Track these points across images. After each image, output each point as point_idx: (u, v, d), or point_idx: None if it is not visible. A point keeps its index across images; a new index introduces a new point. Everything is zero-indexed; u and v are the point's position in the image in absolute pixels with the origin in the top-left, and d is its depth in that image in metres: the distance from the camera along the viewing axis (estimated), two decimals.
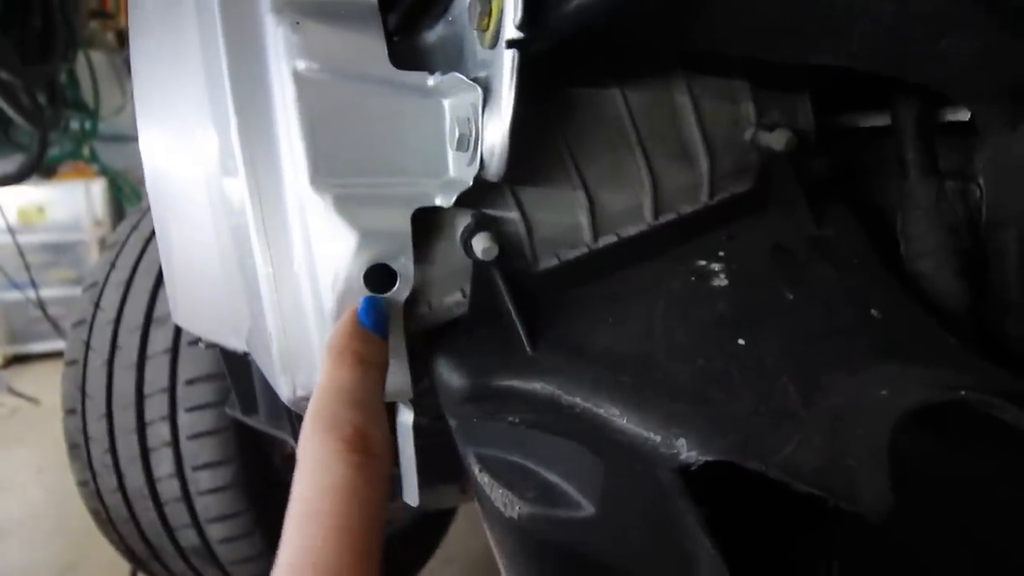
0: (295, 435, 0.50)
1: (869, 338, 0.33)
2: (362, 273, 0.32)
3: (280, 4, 0.32)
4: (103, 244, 2.96)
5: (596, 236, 0.37)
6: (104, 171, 3.06)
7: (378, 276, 0.32)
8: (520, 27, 0.26)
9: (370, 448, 0.25)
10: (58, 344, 2.80)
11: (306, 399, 0.35)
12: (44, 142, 2.41)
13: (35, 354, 2.84)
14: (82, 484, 0.97)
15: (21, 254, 2.68)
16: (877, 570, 0.37)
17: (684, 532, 0.29)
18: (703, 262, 0.38)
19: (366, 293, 0.32)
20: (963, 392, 0.27)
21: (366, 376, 0.29)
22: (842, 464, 0.26)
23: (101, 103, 2.87)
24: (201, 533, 0.89)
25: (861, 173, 0.44)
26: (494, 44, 0.30)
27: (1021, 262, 0.34)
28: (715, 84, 0.40)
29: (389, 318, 0.32)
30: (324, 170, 0.32)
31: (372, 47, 0.33)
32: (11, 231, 2.65)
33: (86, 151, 2.96)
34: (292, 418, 0.49)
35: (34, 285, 2.72)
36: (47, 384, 2.58)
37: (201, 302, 0.51)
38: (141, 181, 3.23)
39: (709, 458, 0.27)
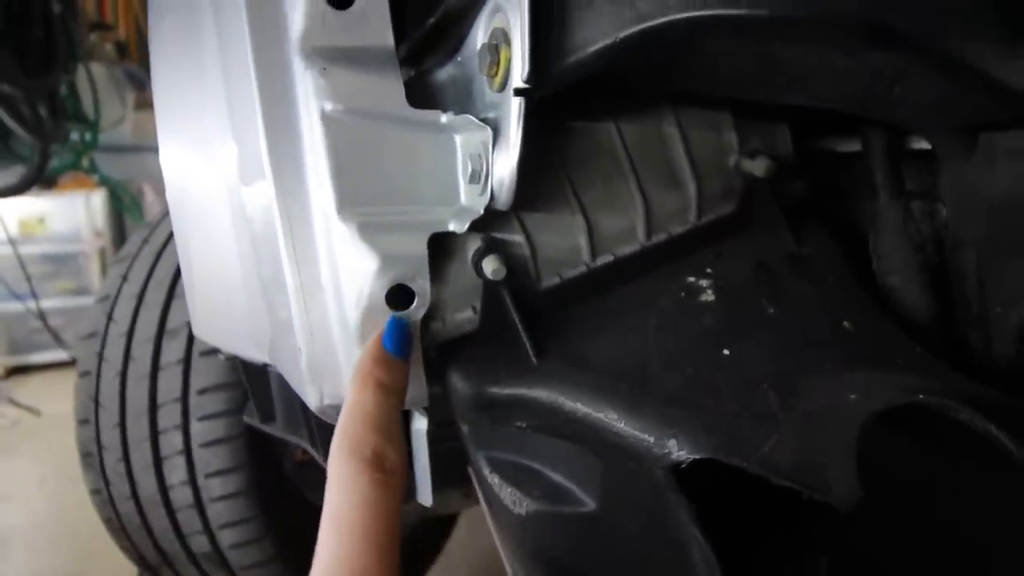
0: (313, 441, 0.53)
1: (842, 348, 0.36)
2: (384, 293, 0.35)
3: (308, 52, 0.35)
4: (103, 255, 2.98)
5: (594, 256, 0.41)
6: (104, 182, 3.07)
7: (398, 295, 0.36)
8: (527, 80, 0.29)
9: (387, 467, 0.29)
10: (58, 355, 2.81)
11: (332, 406, 0.38)
12: (45, 154, 2.43)
13: (35, 365, 2.84)
14: (95, 492, 0.99)
15: (22, 265, 2.69)
16: (860, 564, 0.40)
17: (676, 524, 0.32)
18: (692, 279, 0.41)
19: (387, 310, 0.35)
20: (922, 396, 0.31)
21: (386, 400, 0.32)
22: (815, 460, 0.29)
23: (101, 114, 2.89)
24: (213, 539, 0.91)
25: (837, 195, 0.47)
26: (502, 89, 0.33)
27: (979, 279, 0.38)
28: (701, 115, 0.43)
29: (411, 340, 0.36)
30: (349, 200, 0.35)
31: (391, 89, 0.36)
32: (12, 242, 2.67)
33: (85, 162, 2.98)
34: (311, 425, 0.52)
35: (35, 296, 2.74)
36: (48, 395, 2.59)
37: (222, 315, 0.54)
38: (141, 192, 3.24)
39: (697, 456, 0.31)
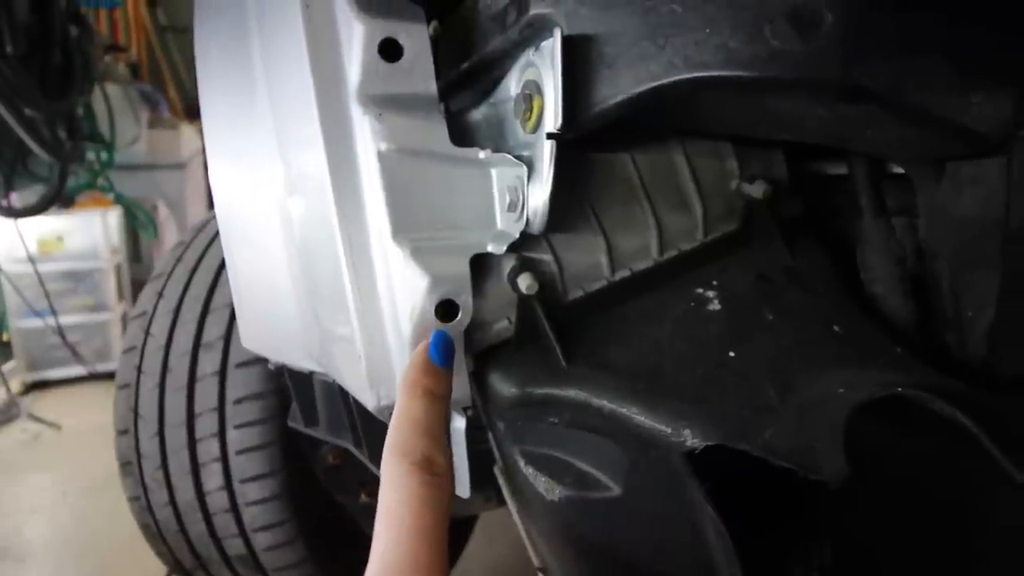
0: (357, 442, 0.58)
1: (832, 349, 0.41)
2: (433, 307, 0.40)
3: (365, 100, 0.41)
4: (119, 271, 3.05)
5: (614, 271, 0.46)
6: (119, 200, 3.13)
7: (445, 309, 0.41)
8: (559, 128, 0.35)
9: (435, 469, 0.32)
10: (76, 370, 2.87)
11: (387, 408, 0.44)
12: (64, 174, 2.50)
13: (54, 380, 2.90)
14: (134, 499, 1.04)
15: (41, 282, 2.76)
16: (860, 548, 0.45)
17: (692, 505, 0.37)
18: (700, 290, 0.46)
19: (437, 323, 0.41)
20: (900, 389, 0.36)
21: (432, 407, 0.35)
22: (808, 445, 0.34)
23: (116, 134, 2.95)
24: (247, 542, 0.96)
25: (828, 212, 0.53)
26: (534, 131, 0.39)
27: (952, 288, 0.43)
28: (705, 145, 0.49)
29: (454, 351, 0.39)
30: (403, 227, 0.41)
31: (436, 130, 0.42)
32: (31, 260, 2.74)
33: (102, 181, 3.04)
34: (355, 427, 0.57)
35: (53, 312, 2.80)
36: (67, 409, 2.65)
37: (270, 327, 0.59)
38: (155, 209, 3.29)
39: (708, 443, 0.36)
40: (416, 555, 0.28)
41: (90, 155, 2.91)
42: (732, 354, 0.41)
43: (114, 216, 3.01)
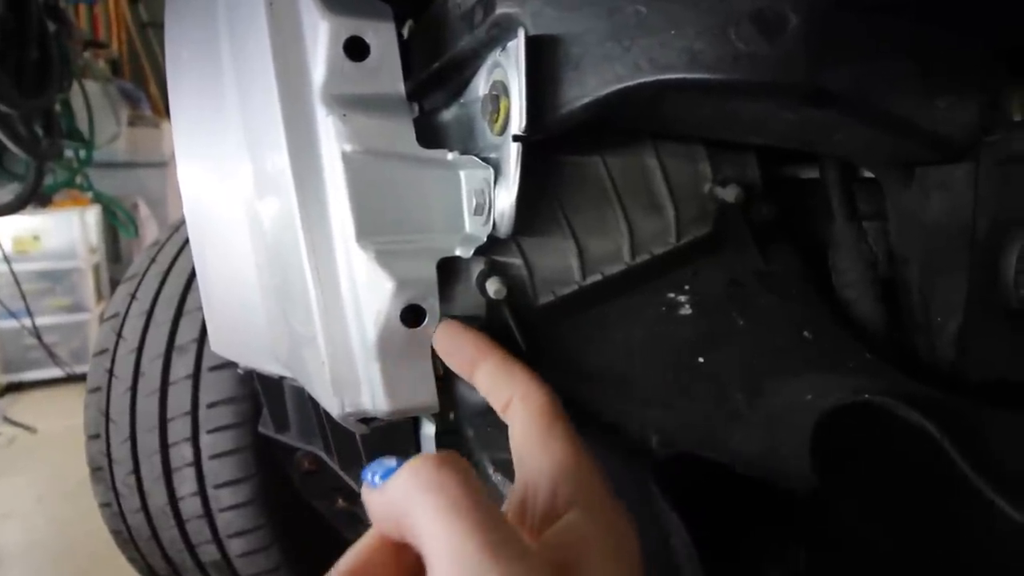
0: (327, 449, 0.57)
1: (802, 354, 0.41)
2: (399, 312, 0.40)
3: (329, 99, 0.40)
4: (97, 271, 2.99)
5: (584, 275, 0.45)
6: (98, 198, 3.08)
7: (411, 314, 0.40)
8: (524, 130, 0.34)
9: None
10: (53, 372, 2.81)
11: (351, 415, 0.43)
12: (40, 172, 2.45)
13: (30, 382, 2.85)
14: (105, 506, 1.02)
15: (17, 282, 2.70)
16: (834, 554, 0.45)
17: (659, 513, 0.36)
18: (672, 294, 0.46)
19: (402, 328, 0.40)
20: (867, 396, 0.36)
21: None
22: (776, 452, 0.34)
23: (96, 132, 2.89)
24: (221, 548, 0.94)
25: (801, 216, 0.53)
26: (502, 133, 0.38)
27: (922, 291, 0.43)
28: (677, 148, 0.48)
29: None
30: (367, 230, 0.40)
31: (402, 131, 0.41)
32: (7, 260, 2.68)
33: (80, 179, 2.98)
34: (326, 433, 0.56)
35: (29, 313, 2.74)
36: (43, 412, 2.60)
37: (239, 331, 0.58)
38: (135, 207, 3.23)
39: (676, 451, 0.35)
40: None
41: (68, 153, 2.85)
42: (702, 359, 0.41)
43: (92, 215, 2.96)
